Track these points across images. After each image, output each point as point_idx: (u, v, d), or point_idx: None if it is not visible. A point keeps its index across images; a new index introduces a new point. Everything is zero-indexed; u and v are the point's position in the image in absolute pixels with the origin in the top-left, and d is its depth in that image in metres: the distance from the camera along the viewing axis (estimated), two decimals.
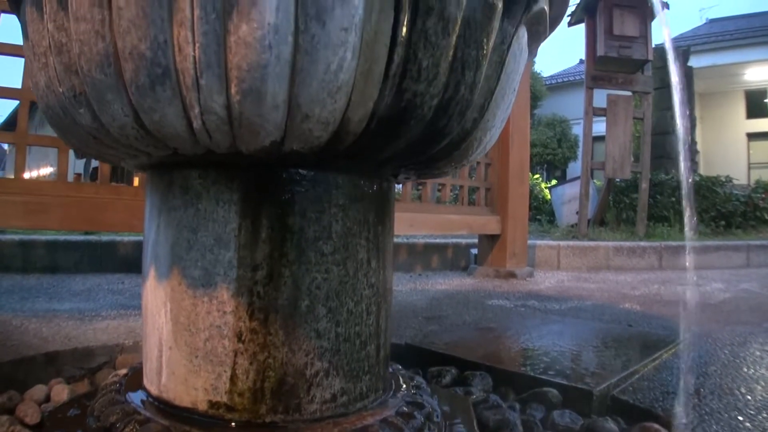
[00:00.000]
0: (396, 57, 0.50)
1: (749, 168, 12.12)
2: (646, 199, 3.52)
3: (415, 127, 0.55)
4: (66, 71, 0.52)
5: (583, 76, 3.81)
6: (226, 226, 0.61)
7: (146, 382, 0.68)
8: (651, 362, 1.17)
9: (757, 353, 1.23)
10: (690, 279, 2.57)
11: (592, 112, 3.61)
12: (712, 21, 13.02)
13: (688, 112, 4.77)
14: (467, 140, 0.64)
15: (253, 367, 0.60)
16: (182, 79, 0.47)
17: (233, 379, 0.60)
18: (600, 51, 3.60)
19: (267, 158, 0.56)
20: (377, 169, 0.65)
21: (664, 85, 4.21)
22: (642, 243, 3.09)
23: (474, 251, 2.99)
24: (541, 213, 4.90)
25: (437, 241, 3.00)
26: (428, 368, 1.17)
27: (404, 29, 0.49)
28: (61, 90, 0.54)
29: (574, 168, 10.98)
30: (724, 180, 3.71)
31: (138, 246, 2.51)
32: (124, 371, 0.79)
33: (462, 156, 0.67)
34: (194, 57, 0.45)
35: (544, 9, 0.64)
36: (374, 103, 0.51)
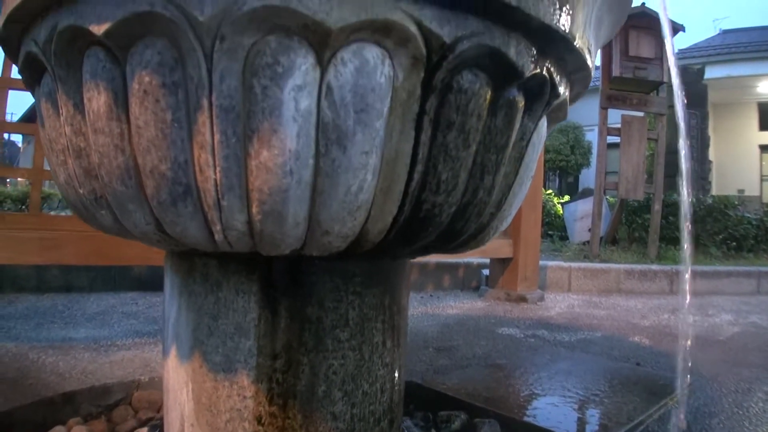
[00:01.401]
0: (416, 174, 0.49)
1: (761, 180, 11.94)
2: (658, 221, 3.48)
3: (433, 233, 0.55)
4: (86, 175, 0.53)
5: (597, 83, 3.78)
6: (246, 315, 0.61)
7: None
8: (656, 411, 1.16)
9: (760, 404, 1.21)
10: (699, 308, 2.53)
11: (607, 132, 3.58)
12: (725, 32, 12.86)
13: (700, 133, 4.71)
14: (484, 232, 0.63)
15: None
16: (204, 197, 0.47)
17: None
18: (615, 71, 3.56)
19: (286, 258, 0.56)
20: (393, 259, 0.65)
21: None
22: (653, 266, 3.05)
23: (485, 272, 2.98)
24: (553, 228, 4.86)
25: (449, 260, 2.99)
26: (438, 411, 1.17)
27: (425, 148, 0.48)
28: (81, 192, 0.54)
29: (587, 175, 10.87)
30: (737, 202, 3.65)
31: (151, 267, 2.51)
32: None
33: (478, 243, 0.67)
34: (215, 180, 0.45)
35: (566, 99, 0.64)
36: (393, 217, 0.51)
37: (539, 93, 0.56)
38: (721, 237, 3.48)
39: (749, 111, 11.57)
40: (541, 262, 2.91)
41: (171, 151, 0.45)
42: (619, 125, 3.63)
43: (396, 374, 0.72)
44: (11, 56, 0.61)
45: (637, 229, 3.73)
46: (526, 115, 0.57)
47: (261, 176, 0.45)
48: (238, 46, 0.41)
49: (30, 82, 0.59)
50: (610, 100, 3.59)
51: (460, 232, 0.58)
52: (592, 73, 0.65)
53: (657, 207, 3.51)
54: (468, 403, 1.19)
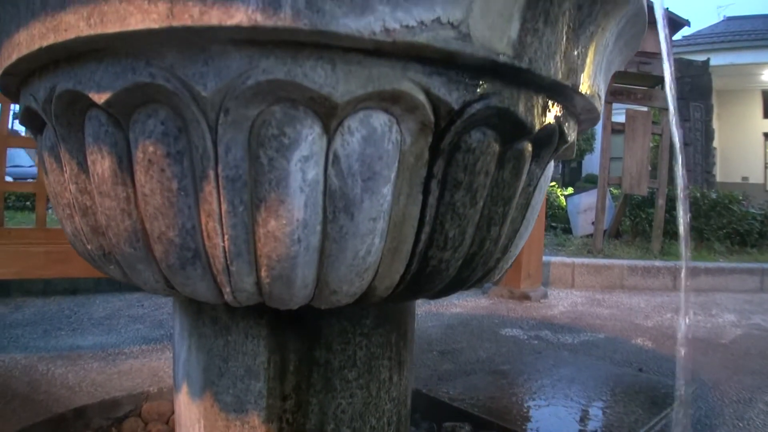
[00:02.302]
0: (423, 234, 0.49)
1: (766, 167, 11.84)
2: (662, 216, 3.46)
3: (440, 284, 0.55)
4: (93, 233, 0.52)
5: None
6: (256, 358, 0.61)
7: None
8: (658, 423, 1.16)
9: (762, 417, 1.21)
10: (703, 307, 2.53)
11: (611, 127, 3.54)
12: (729, 19, 12.65)
13: (704, 126, 4.65)
14: (490, 274, 0.63)
15: None
16: (212, 262, 0.46)
17: None
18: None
19: None
20: (401, 301, 0.65)
21: (682, 97, 4.12)
22: (656, 263, 3.04)
23: None
24: (557, 220, 4.84)
25: None
26: (443, 422, 1.18)
27: (433, 209, 0.48)
28: (89, 247, 0.54)
29: (590, 160, 10.79)
30: (741, 197, 3.63)
31: None
32: None
33: (483, 282, 0.66)
34: (224, 246, 0.45)
35: (574, 140, 0.62)
36: (401, 275, 0.50)
37: (548, 142, 0.55)
38: (724, 232, 3.47)
39: (753, 98, 11.43)
40: (544, 258, 2.90)
41: (178, 219, 0.44)
42: (623, 122, 3.60)
43: (402, 406, 0.72)
44: (12, 99, 0.61)
45: (641, 223, 3.71)
46: (534, 162, 0.56)
47: (269, 244, 0.44)
48: (242, 117, 0.40)
49: (32, 132, 0.58)
50: (614, 95, 3.55)
51: (467, 280, 0.58)
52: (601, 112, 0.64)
53: (661, 202, 3.49)
54: (472, 414, 1.20)
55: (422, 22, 0.37)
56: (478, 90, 0.44)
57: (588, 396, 1.33)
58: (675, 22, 3.46)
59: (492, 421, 1.16)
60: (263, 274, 0.46)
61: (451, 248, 0.51)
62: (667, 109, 3.44)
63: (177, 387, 0.70)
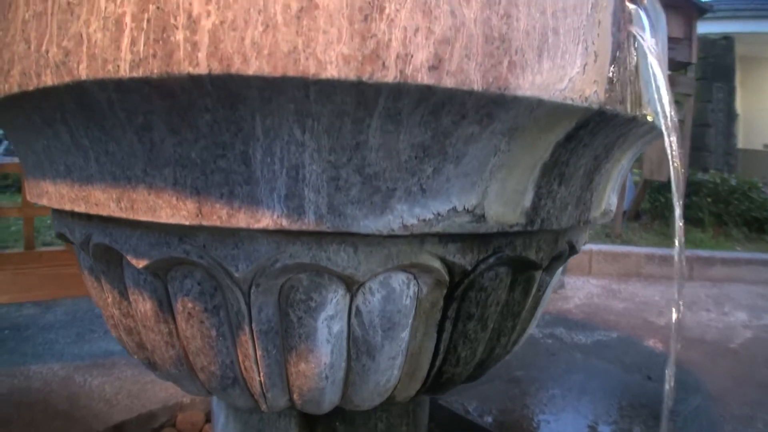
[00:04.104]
0: (438, 360, 0.52)
1: None
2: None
3: (453, 388, 0.58)
4: (138, 347, 0.56)
5: None
6: None
7: None
8: None
9: None
10: (716, 301, 2.52)
11: None
12: None
13: (726, 107, 4.47)
14: (499, 361, 0.66)
15: None
16: (250, 387, 0.51)
17: None
18: None
19: None
20: None
21: (705, 77, 3.98)
22: (674, 252, 3.02)
23: None
24: None
25: None
26: None
27: (446, 341, 0.51)
28: (134, 356, 0.59)
29: None
30: (760, 185, 3.54)
31: None
32: None
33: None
34: (260, 380, 0.49)
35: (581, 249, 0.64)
36: (417, 389, 0.54)
37: (558, 259, 0.57)
38: (743, 219, 3.40)
39: None
40: None
41: (218, 357, 0.49)
42: None
43: None
44: None
45: (660, 207, 3.66)
46: (545, 272, 0.59)
47: (300, 379, 0.48)
48: (272, 286, 0.44)
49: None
50: None
51: (479, 376, 0.62)
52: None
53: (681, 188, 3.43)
54: (485, 428, 1.26)
55: (439, 214, 0.39)
56: (491, 249, 0.46)
57: (595, 411, 1.38)
58: (699, 7, 3.30)
59: None
60: (295, 397, 0.50)
61: (463, 364, 0.55)
62: (689, 95, 3.33)
63: None
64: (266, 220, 0.37)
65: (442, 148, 0.36)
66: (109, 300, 0.54)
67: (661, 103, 0.43)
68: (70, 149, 0.40)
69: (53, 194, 0.45)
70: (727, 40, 4.38)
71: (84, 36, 0.33)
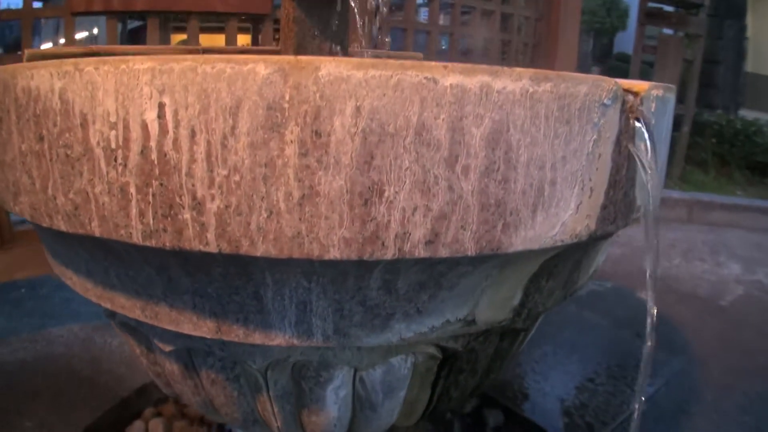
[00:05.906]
0: (432, 404, 0.57)
1: None
2: (685, 143, 3.34)
3: (446, 413, 0.64)
4: (166, 386, 0.61)
5: None
6: None
7: None
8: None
9: (735, 411, 1.19)
10: (712, 249, 2.55)
11: (642, 51, 3.30)
12: None
13: (736, 44, 4.22)
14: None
15: None
16: (270, 427, 0.56)
17: None
18: None
19: None
20: None
21: (717, 14, 3.74)
22: (674, 194, 3.01)
23: None
24: None
25: None
26: None
27: (439, 390, 0.55)
28: (164, 390, 0.64)
29: (622, 38, 10.00)
30: (765, 129, 3.44)
31: None
32: None
33: None
34: (277, 426, 0.54)
35: None
36: (414, 423, 0.59)
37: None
38: (746, 161, 3.36)
39: None
40: None
41: (239, 408, 0.54)
42: (655, 45, 3.34)
43: None
44: None
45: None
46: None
47: (312, 426, 0.54)
48: (286, 366, 0.48)
49: None
50: (648, 17, 3.25)
51: (470, 400, 0.67)
52: None
53: (686, 128, 3.35)
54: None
55: (433, 326, 0.42)
56: (481, 333, 0.49)
57: (584, 370, 1.45)
58: None
59: (495, 398, 1.30)
60: None
61: (456, 399, 0.60)
62: (700, 36, 3.16)
63: None
64: (279, 339, 0.40)
65: (437, 282, 0.38)
66: (137, 350, 0.58)
67: (651, 207, 0.44)
68: (89, 261, 0.42)
69: (77, 284, 0.47)
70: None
71: (90, 195, 0.33)
